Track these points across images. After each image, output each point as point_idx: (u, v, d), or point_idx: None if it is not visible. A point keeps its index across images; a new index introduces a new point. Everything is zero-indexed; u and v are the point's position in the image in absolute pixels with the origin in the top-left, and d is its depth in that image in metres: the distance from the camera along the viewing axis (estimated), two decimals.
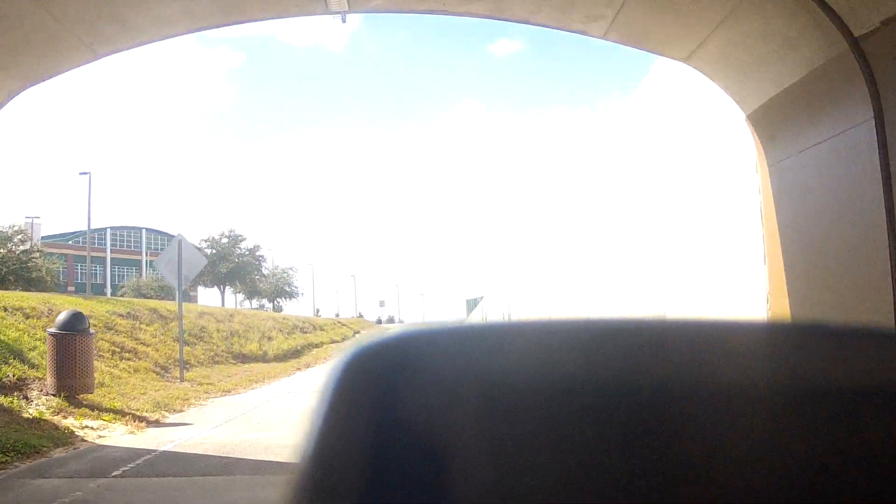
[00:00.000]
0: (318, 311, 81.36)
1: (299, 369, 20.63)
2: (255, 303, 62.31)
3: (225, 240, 51.57)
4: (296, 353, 24.99)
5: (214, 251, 50.57)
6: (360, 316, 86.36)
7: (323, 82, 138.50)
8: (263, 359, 21.24)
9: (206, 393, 13.14)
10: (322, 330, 36.36)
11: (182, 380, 14.22)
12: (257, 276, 53.77)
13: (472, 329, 0.36)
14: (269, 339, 24.49)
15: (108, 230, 71.47)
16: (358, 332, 46.86)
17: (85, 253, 67.07)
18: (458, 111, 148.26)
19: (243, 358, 20.03)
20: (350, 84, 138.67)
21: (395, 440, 0.29)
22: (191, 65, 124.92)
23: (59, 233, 65.71)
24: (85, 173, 47.99)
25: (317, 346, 29.82)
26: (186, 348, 17.41)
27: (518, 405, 0.30)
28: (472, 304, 67.65)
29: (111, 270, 69.01)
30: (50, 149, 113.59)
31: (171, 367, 15.02)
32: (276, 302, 63.01)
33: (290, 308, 63.57)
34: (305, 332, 31.84)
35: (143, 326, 17.15)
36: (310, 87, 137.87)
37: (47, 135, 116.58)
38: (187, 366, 16.24)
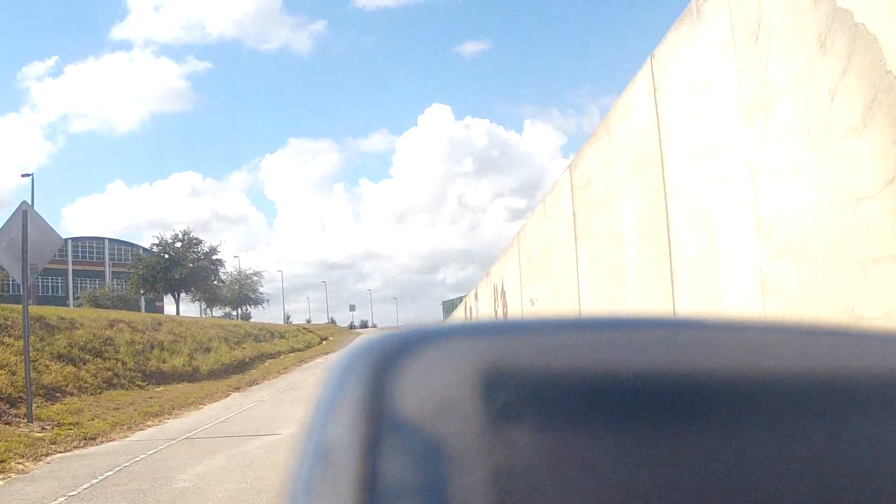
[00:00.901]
0: (288, 317, 76.39)
1: (238, 389, 15.48)
2: (218, 311, 57.10)
3: (179, 243, 45.74)
4: (241, 367, 19.80)
5: (167, 256, 44.88)
6: (332, 321, 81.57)
7: (290, 88, 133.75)
8: (192, 377, 16.04)
9: (53, 443, 7.98)
10: (282, 337, 31.08)
11: (30, 419, 9.08)
12: (216, 283, 47.95)
13: (487, 326, 0.33)
14: (207, 350, 19.27)
15: (70, 241, 66.97)
16: (325, 339, 41.59)
17: (50, 265, 63.47)
18: (427, 113, 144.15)
19: (161, 377, 14.82)
20: (317, 90, 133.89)
21: (402, 439, 0.28)
22: (156, 72, 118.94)
23: None
24: (27, 175, 42.66)
25: (272, 356, 24.64)
26: (68, 369, 12.20)
27: (539, 407, 0.29)
28: (448, 306, 63.41)
29: (73, 282, 64.67)
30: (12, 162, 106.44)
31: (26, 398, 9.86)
32: (242, 309, 57.71)
33: (260, 316, 58.55)
34: (260, 341, 26.60)
35: (6, 340, 11.94)
36: (277, 93, 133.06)
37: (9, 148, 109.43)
38: (60, 394, 11.07)
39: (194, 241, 45.89)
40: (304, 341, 33.19)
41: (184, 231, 46.05)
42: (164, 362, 15.75)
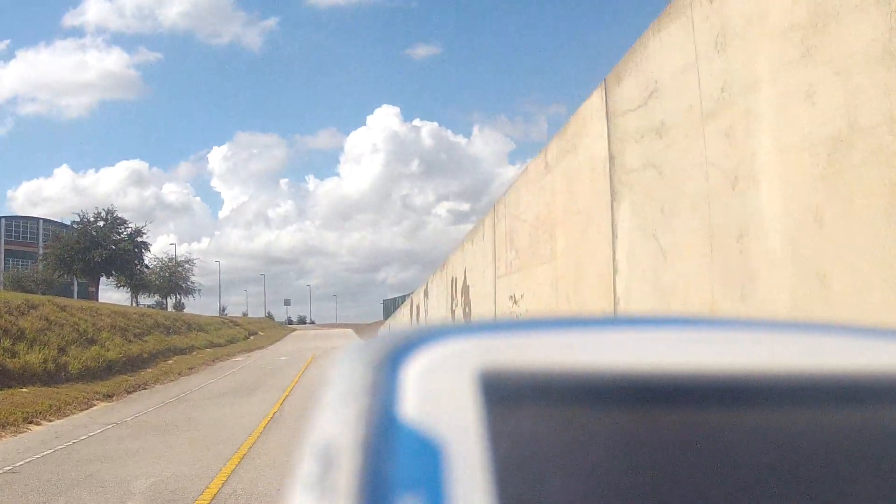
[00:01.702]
0: (224, 309, 71.33)
1: (111, 396, 11.51)
2: (149, 300, 52.04)
3: (101, 223, 40.53)
4: (134, 365, 15.71)
5: (87, 236, 39.62)
6: (269, 316, 76.84)
7: (239, 83, 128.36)
8: (54, 377, 11.97)
9: None
10: (202, 331, 26.83)
11: None
12: (139, 268, 42.88)
13: (489, 325, 0.31)
14: (91, 342, 15.14)
15: (3, 220, 61.90)
16: (254, 334, 37.28)
17: None
18: (376, 113, 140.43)
19: (2, 378, 10.76)
20: (267, 86, 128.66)
21: (403, 439, 0.27)
22: (107, 60, 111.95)
23: None
24: None
25: (182, 351, 20.49)
26: None
27: (541, 408, 0.28)
28: (389, 305, 59.72)
29: (5, 263, 59.17)
30: None
31: None
32: (175, 298, 52.74)
33: (196, 307, 53.76)
34: (171, 334, 22.39)
35: None
36: (226, 87, 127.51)
37: None
38: None
39: (119, 221, 40.79)
40: (227, 336, 28.99)
41: (107, 209, 40.87)
42: (15, 357, 11.64)
